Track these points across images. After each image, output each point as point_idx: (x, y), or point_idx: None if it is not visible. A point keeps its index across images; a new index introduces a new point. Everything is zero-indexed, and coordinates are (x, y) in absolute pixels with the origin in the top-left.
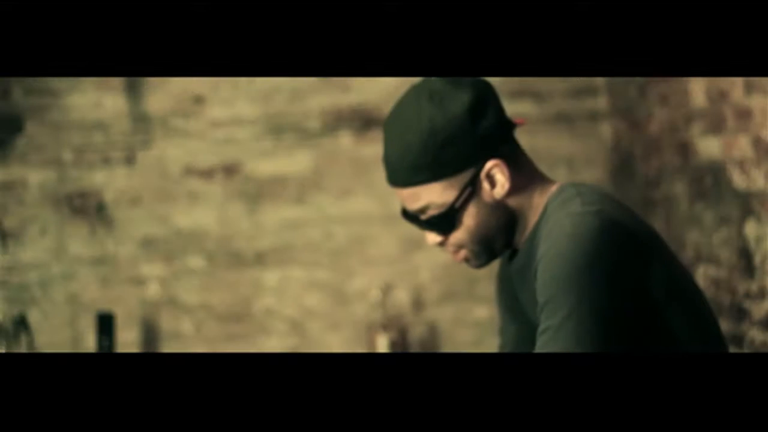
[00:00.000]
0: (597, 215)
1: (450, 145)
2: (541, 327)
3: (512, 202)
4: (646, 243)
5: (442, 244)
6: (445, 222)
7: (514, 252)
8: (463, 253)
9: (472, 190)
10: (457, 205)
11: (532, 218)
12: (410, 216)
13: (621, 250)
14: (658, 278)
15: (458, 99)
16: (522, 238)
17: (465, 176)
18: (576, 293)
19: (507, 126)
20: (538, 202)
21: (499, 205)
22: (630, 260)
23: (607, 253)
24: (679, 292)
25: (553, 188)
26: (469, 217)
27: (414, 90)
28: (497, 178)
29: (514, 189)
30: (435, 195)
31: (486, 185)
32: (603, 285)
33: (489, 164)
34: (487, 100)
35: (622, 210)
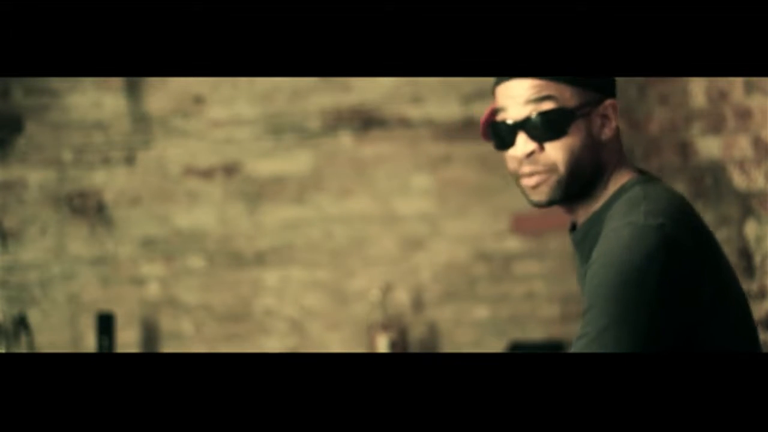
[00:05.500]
0: (657, 231)
1: None
2: (580, 331)
3: (603, 155)
4: (700, 261)
5: (530, 155)
6: (557, 122)
7: (573, 226)
8: (540, 177)
9: (590, 110)
10: (578, 112)
11: (600, 197)
12: (499, 124)
13: (673, 272)
14: (704, 298)
15: None
16: (584, 215)
17: (591, 95)
18: (620, 307)
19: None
20: (609, 186)
21: (597, 148)
22: (680, 282)
23: (658, 273)
24: (723, 308)
25: (623, 179)
26: (575, 136)
27: None
28: (610, 117)
29: (611, 143)
30: (561, 92)
31: (598, 121)
32: (648, 303)
33: (609, 101)
34: None
35: (683, 221)
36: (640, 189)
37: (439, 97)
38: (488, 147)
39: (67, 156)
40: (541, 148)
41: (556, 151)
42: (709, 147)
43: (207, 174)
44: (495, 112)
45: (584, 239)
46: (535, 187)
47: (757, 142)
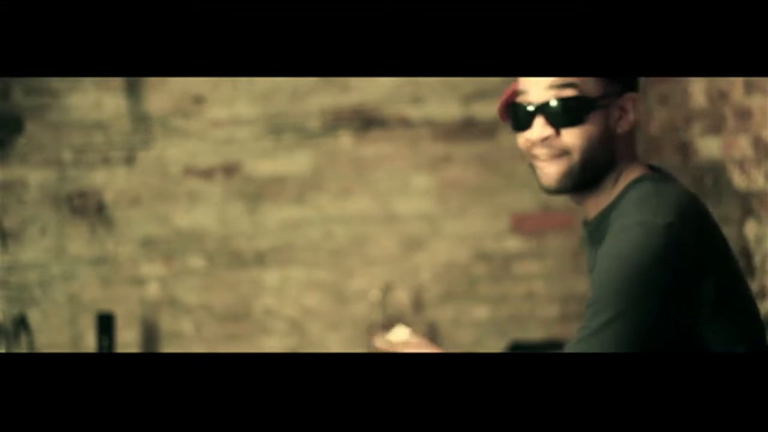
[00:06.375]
0: (666, 231)
1: None
2: (582, 324)
3: (617, 148)
4: (707, 261)
5: (545, 140)
6: (576, 110)
7: (584, 220)
8: (551, 162)
9: (609, 102)
10: (598, 102)
11: (611, 191)
12: (519, 106)
13: (678, 272)
14: (708, 297)
15: None
16: (594, 208)
17: (613, 87)
18: (623, 303)
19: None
20: (620, 181)
21: (612, 140)
22: (684, 282)
23: (664, 273)
24: (728, 307)
25: (635, 174)
26: (592, 125)
27: None
28: (629, 111)
29: (626, 136)
30: (584, 81)
31: (616, 113)
32: (651, 303)
33: (629, 95)
34: None
35: (693, 220)
36: (651, 185)
37: (439, 97)
38: (488, 147)
39: (67, 156)
40: (557, 134)
41: (571, 138)
42: (709, 147)
43: (207, 174)
44: (516, 93)
45: (595, 232)
46: (546, 171)
47: (757, 142)
